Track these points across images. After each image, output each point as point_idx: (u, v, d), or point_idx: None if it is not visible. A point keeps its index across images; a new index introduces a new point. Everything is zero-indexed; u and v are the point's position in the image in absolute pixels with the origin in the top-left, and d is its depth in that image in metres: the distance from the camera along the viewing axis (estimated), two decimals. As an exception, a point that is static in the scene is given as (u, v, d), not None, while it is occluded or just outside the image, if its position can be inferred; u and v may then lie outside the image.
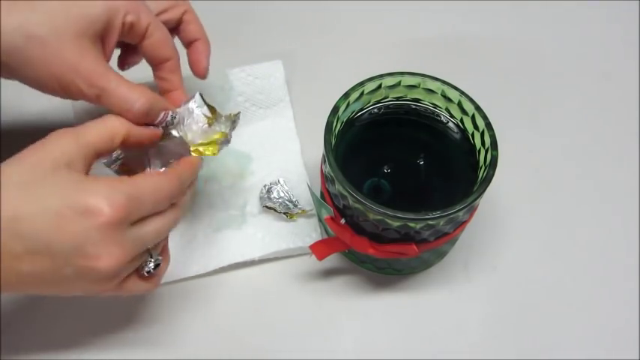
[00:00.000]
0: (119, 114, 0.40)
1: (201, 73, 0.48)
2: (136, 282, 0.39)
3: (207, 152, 0.44)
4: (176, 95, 0.45)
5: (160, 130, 0.42)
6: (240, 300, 0.48)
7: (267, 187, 0.51)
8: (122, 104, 0.40)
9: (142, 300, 0.47)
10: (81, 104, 0.54)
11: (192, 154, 0.44)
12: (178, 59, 0.45)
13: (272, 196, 0.50)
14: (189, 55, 0.48)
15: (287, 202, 0.50)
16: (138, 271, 0.39)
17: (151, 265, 0.39)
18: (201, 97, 0.45)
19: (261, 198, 0.51)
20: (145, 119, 0.41)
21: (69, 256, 0.35)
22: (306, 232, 0.50)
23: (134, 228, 0.37)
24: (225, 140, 0.44)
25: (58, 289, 0.37)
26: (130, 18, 0.41)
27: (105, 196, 0.35)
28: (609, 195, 0.54)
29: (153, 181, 0.38)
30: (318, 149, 0.45)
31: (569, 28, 0.65)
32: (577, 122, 0.59)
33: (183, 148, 0.43)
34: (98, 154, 0.38)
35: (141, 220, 0.37)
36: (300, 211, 0.50)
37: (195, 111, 0.44)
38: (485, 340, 0.47)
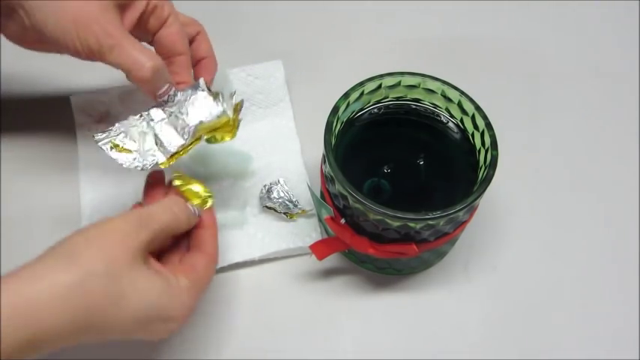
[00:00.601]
0: (128, 72, 0.42)
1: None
2: None
3: (226, 138, 0.45)
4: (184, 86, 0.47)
5: None
6: (240, 300, 0.48)
7: (267, 187, 0.51)
8: (133, 61, 0.41)
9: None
10: (81, 100, 0.54)
11: (207, 140, 0.45)
12: (190, 57, 0.47)
13: (272, 196, 0.50)
14: (195, 70, 0.49)
15: (287, 202, 0.50)
16: None
17: None
18: (205, 83, 0.45)
19: (261, 198, 0.51)
20: (151, 84, 0.42)
21: (137, 336, 0.37)
22: (306, 232, 0.50)
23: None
24: (237, 122, 0.45)
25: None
26: (154, 1, 0.44)
27: (181, 304, 0.37)
28: (609, 195, 0.54)
29: (210, 268, 0.41)
30: (318, 149, 0.45)
31: (569, 28, 0.65)
32: (577, 122, 0.59)
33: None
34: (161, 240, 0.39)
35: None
36: (300, 211, 0.50)
37: (199, 92, 0.45)
38: (485, 340, 0.47)
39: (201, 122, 0.44)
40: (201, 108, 0.44)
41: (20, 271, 0.33)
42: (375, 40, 0.63)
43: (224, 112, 0.45)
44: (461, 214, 0.41)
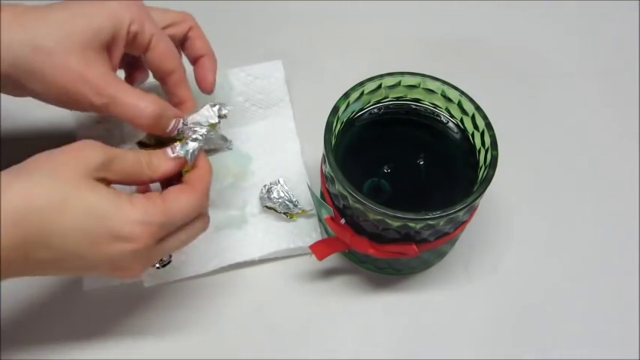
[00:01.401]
0: (129, 122, 0.41)
1: (207, 89, 0.48)
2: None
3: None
4: (186, 107, 0.45)
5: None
6: (240, 300, 0.48)
7: (267, 187, 0.51)
8: (132, 112, 0.40)
9: (141, 300, 0.47)
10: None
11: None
12: (183, 72, 0.45)
13: (272, 196, 0.50)
14: (195, 70, 0.48)
15: (287, 202, 0.50)
16: None
17: (162, 261, 0.43)
18: (218, 110, 0.44)
19: (261, 198, 0.51)
20: (156, 127, 0.41)
21: (98, 266, 0.37)
22: (306, 232, 0.50)
23: (163, 243, 0.38)
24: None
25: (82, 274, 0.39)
26: (134, 27, 0.42)
27: (140, 222, 0.36)
28: (609, 195, 0.54)
29: (184, 201, 0.38)
30: (318, 149, 0.45)
31: (569, 28, 0.65)
32: (577, 122, 0.59)
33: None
34: (126, 177, 0.38)
35: (169, 235, 0.39)
36: (300, 211, 0.50)
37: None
38: (485, 340, 0.47)
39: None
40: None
41: None
42: (375, 40, 0.63)
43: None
44: (461, 214, 0.41)
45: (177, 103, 0.45)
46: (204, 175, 0.41)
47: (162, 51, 0.44)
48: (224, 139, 0.48)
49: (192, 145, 0.41)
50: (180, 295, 0.48)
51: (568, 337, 0.47)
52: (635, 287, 0.50)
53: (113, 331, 0.46)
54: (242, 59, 0.57)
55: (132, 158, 0.38)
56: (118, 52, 0.42)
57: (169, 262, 0.43)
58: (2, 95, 0.56)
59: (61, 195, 0.35)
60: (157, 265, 0.42)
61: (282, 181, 0.51)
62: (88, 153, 0.36)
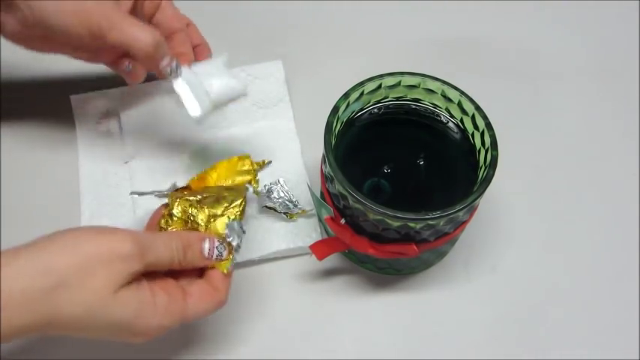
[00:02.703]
0: (129, 48, 0.43)
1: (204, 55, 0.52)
2: None
3: (221, 267, 0.41)
4: (200, 50, 0.51)
5: None
6: (240, 300, 0.48)
7: (267, 187, 0.51)
8: (133, 38, 0.43)
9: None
10: (81, 100, 0.54)
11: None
12: (187, 34, 0.51)
13: (272, 196, 0.50)
14: (195, 51, 0.51)
15: (287, 202, 0.50)
16: None
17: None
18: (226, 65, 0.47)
19: (261, 198, 0.51)
20: (153, 58, 0.44)
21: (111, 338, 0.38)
22: (306, 232, 0.50)
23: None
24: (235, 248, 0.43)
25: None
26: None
27: (159, 327, 0.37)
28: (609, 195, 0.54)
29: (205, 306, 0.40)
30: (318, 149, 0.45)
31: (568, 28, 0.65)
32: (577, 122, 0.59)
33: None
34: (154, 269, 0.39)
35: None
36: (300, 211, 0.50)
37: (224, 68, 0.47)
38: (485, 340, 0.47)
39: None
40: (220, 93, 0.46)
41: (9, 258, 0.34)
42: (374, 40, 0.63)
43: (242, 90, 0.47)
44: (461, 214, 0.41)
45: (178, 56, 0.47)
46: (227, 277, 0.41)
47: (171, 14, 0.50)
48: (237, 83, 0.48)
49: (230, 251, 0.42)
50: (181, 295, 0.48)
51: (568, 337, 0.47)
52: (635, 287, 0.50)
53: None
54: (242, 59, 0.57)
55: (163, 249, 0.39)
56: (126, 5, 0.46)
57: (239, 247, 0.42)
58: (2, 95, 0.56)
59: (86, 308, 0.35)
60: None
61: (282, 181, 0.51)
62: (120, 253, 0.36)
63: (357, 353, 0.46)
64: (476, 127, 0.45)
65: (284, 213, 0.50)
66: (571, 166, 0.56)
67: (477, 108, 0.45)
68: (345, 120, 0.46)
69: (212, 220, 0.43)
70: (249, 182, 0.50)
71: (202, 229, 0.42)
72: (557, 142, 0.57)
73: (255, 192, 0.50)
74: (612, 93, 0.61)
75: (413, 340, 0.47)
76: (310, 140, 0.55)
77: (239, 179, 0.50)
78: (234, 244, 0.42)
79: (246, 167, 0.51)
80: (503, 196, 0.52)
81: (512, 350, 0.47)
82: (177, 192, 0.45)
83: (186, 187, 0.46)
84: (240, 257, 0.48)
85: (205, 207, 0.43)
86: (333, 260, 0.49)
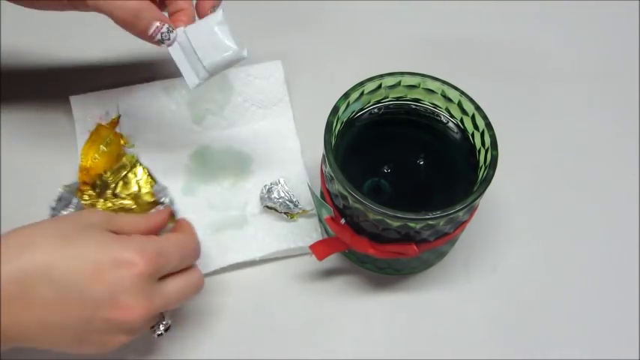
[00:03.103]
0: (109, 15, 0.42)
1: (205, 10, 0.46)
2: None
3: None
4: (184, 13, 0.45)
5: None
6: (240, 300, 0.48)
7: (267, 187, 0.51)
8: (110, 7, 0.41)
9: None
10: (81, 100, 0.54)
11: None
12: None
13: (272, 196, 0.50)
14: (197, 5, 0.46)
15: (287, 202, 0.50)
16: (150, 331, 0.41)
17: (162, 328, 0.41)
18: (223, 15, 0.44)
19: (261, 198, 0.51)
20: (136, 28, 0.42)
21: (100, 305, 0.36)
22: (307, 232, 0.50)
23: (161, 283, 0.39)
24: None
25: (77, 344, 0.37)
26: None
27: (138, 250, 0.37)
28: (609, 195, 0.54)
29: (177, 238, 0.41)
30: (318, 149, 0.45)
31: (568, 28, 0.65)
32: (577, 122, 0.59)
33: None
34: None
35: (166, 277, 0.39)
36: (300, 211, 0.50)
37: (218, 30, 0.43)
38: (485, 340, 0.47)
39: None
40: (216, 59, 0.44)
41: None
42: (374, 40, 0.63)
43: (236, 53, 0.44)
44: (461, 214, 0.41)
45: (173, 12, 0.45)
46: (189, 224, 0.44)
47: None
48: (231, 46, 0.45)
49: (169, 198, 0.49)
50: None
51: (568, 337, 0.47)
52: (635, 287, 0.50)
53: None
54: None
55: (128, 216, 0.42)
56: None
57: (168, 329, 0.41)
58: (2, 95, 0.56)
59: (63, 232, 0.36)
60: (158, 332, 0.41)
61: (282, 181, 0.51)
62: (90, 213, 0.40)
63: (357, 353, 0.46)
64: (476, 127, 0.45)
65: (284, 213, 0.50)
66: (571, 166, 0.56)
67: (477, 108, 0.45)
68: (345, 120, 0.46)
69: (137, 198, 0.50)
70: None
71: (135, 207, 0.50)
72: (557, 142, 0.57)
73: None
74: (612, 93, 0.61)
75: (413, 340, 0.47)
76: (310, 140, 0.55)
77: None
78: (166, 201, 0.49)
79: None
80: (503, 196, 0.52)
81: (512, 350, 0.47)
82: (82, 191, 0.50)
83: (85, 183, 0.50)
84: (241, 257, 0.48)
85: (122, 194, 0.50)
86: (333, 260, 0.49)
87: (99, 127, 0.53)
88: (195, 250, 0.42)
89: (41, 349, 0.37)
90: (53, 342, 0.37)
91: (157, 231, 0.43)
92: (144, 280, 0.37)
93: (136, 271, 0.36)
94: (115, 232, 0.39)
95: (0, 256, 0.34)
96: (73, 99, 0.54)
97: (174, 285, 0.40)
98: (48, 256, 0.35)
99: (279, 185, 0.51)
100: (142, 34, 0.43)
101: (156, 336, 0.41)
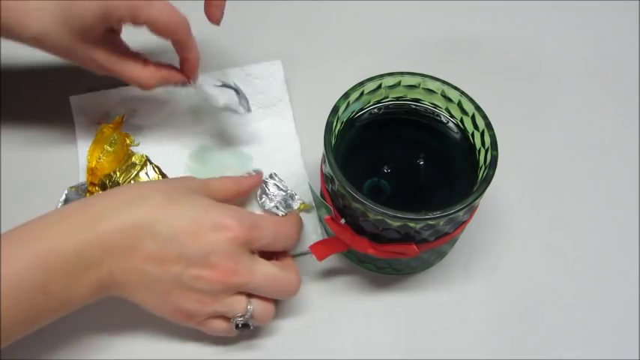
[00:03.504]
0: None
1: (215, 20, 0.49)
2: (220, 323, 0.42)
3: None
4: (191, 63, 0.49)
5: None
6: (240, 300, 0.48)
7: (261, 186, 0.50)
8: (137, 83, 0.47)
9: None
10: (80, 100, 0.54)
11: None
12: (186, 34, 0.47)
13: (269, 191, 0.50)
14: (206, 5, 0.48)
15: (285, 196, 0.50)
16: (228, 319, 0.42)
17: (240, 318, 0.42)
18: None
19: (259, 195, 0.51)
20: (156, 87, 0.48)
21: (192, 262, 0.39)
22: (307, 233, 0.50)
23: (251, 257, 0.41)
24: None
25: (162, 300, 0.40)
26: (126, 20, 0.44)
27: (235, 217, 0.40)
28: (609, 195, 0.54)
29: (274, 218, 0.46)
30: (318, 149, 0.45)
31: (569, 28, 0.65)
32: (577, 122, 0.59)
33: None
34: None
35: (259, 255, 0.42)
36: (301, 205, 0.50)
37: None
38: (485, 340, 0.47)
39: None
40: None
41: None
42: (375, 40, 0.63)
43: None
44: (461, 214, 0.41)
45: (183, 59, 0.49)
46: (294, 213, 0.48)
47: (162, 26, 0.45)
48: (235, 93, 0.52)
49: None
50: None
51: (568, 337, 0.47)
52: (635, 287, 0.50)
53: (113, 332, 0.46)
54: (242, 59, 0.57)
55: (220, 182, 0.45)
56: (117, 35, 0.48)
57: (246, 325, 0.42)
58: (2, 94, 0.56)
59: (170, 193, 0.40)
60: (237, 322, 0.42)
61: (275, 175, 0.51)
62: (189, 178, 0.45)
63: (357, 353, 0.46)
64: (476, 127, 0.45)
65: (285, 214, 0.50)
66: (571, 166, 0.56)
67: (477, 108, 0.45)
68: (345, 120, 0.46)
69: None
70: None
71: None
72: (557, 142, 0.57)
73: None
74: (612, 93, 0.61)
75: (413, 340, 0.47)
76: (310, 140, 0.55)
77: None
78: None
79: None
80: (503, 196, 0.52)
81: (512, 350, 0.47)
82: (90, 192, 0.50)
83: (93, 184, 0.50)
84: None
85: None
86: (333, 260, 0.49)
87: (104, 127, 0.53)
88: (290, 234, 0.45)
89: (131, 301, 0.41)
90: (145, 294, 0.40)
91: (246, 194, 0.48)
92: (236, 245, 0.40)
93: (231, 235, 0.40)
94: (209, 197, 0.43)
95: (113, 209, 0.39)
96: (72, 99, 0.54)
97: (263, 265, 0.42)
98: (156, 212, 0.39)
99: (274, 179, 0.51)
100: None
101: (234, 325, 0.42)
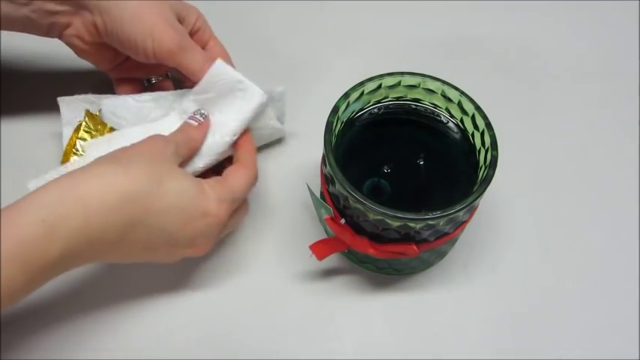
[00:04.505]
0: (192, 74, 0.47)
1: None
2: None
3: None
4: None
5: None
6: (240, 300, 0.48)
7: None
8: (200, 68, 0.47)
9: (141, 299, 0.47)
10: (68, 102, 0.54)
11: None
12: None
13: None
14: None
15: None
16: None
17: None
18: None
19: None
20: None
21: (181, 245, 0.42)
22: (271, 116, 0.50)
23: (227, 221, 0.44)
24: None
25: (147, 258, 0.43)
26: (198, 24, 0.50)
27: (220, 200, 0.42)
28: (609, 195, 0.54)
29: (242, 176, 0.45)
30: (318, 149, 0.45)
31: (569, 28, 0.66)
32: (577, 122, 0.59)
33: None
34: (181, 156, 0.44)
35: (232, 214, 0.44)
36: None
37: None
38: (485, 340, 0.47)
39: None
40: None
41: (74, 173, 0.39)
42: (374, 40, 0.63)
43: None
44: (461, 214, 0.41)
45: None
46: (250, 151, 0.47)
47: (219, 52, 0.50)
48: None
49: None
50: (180, 295, 0.48)
51: (567, 337, 0.47)
52: (635, 287, 0.50)
53: (113, 329, 0.46)
54: (242, 59, 0.57)
55: (183, 138, 0.45)
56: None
57: None
58: (2, 94, 0.56)
59: (158, 178, 0.40)
60: None
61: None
62: (162, 144, 0.43)
63: (357, 353, 0.46)
64: (476, 127, 0.45)
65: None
66: (571, 166, 0.56)
67: (477, 108, 0.45)
68: (345, 120, 0.46)
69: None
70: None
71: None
72: (557, 142, 0.57)
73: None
74: (612, 93, 0.61)
75: (413, 340, 0.47)
76: (310, 140, 0.55)
77: None
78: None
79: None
80: (503, 196, 0.52)
81: (512, 350, 0.47)
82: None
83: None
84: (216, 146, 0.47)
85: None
86: (333, 260, 0.49)
87: (83, 120, 0.52)
88: (254, 184, 0.46)
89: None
90: (129, 257, 0.42)
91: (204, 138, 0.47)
92: (220, 226, 0.43)
93: (216, 221, 0.42)
94: (182, 161, 0.44)
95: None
96: (60, 100, 0.53)
97: (234, 220, 0.45)
98: (149, 203, 0.39)
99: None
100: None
101: None
